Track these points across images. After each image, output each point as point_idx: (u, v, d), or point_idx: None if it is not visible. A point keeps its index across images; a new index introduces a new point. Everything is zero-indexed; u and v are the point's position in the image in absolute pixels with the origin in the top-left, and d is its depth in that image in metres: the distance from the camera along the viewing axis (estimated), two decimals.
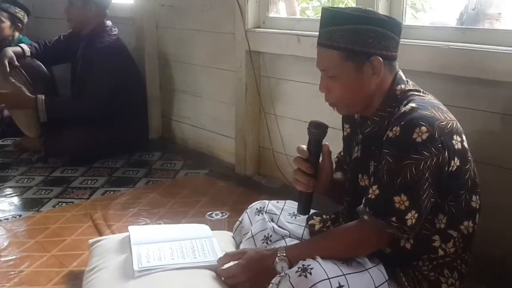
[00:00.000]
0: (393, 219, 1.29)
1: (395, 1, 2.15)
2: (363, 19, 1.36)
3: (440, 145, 1.29)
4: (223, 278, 1.53)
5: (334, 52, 1.38)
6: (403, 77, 1.46)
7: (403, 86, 1.43)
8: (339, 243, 1.40)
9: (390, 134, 1.32)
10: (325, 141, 1.50)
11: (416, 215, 1.30)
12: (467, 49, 1.85)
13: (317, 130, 1.46)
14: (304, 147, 1.48)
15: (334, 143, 1.56)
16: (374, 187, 1.34)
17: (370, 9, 1.52)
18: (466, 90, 1.90)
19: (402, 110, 1.34)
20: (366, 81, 1.39)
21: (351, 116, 1.57)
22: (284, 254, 1.41)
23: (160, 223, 2.36)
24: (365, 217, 1.34)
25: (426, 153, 1.28)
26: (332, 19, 1.39)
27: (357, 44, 1.36)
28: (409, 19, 2.25)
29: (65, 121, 3.14)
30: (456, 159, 1.34)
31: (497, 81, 1.79)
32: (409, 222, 1.29)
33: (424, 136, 1.27)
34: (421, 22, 3.42)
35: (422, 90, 1.45)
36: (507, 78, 1.75)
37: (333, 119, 1.59)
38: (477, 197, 1.43)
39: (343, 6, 4.44)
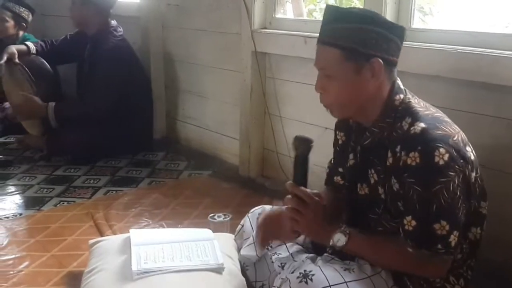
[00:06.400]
0: (439, 246, 1.28)
1: (403, 4, 2.12)
2: (367, 19, 1.33)
3: (462, 161, 1.28)
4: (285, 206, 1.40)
5: (336, 50, 1.34)
6: (401, 86, 1.41)
7: (401, 95, 1.39)
8: (400, 263, 1.35)
9: (409, 161, 1.27)
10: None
11: (457, 233, 1.29)
12: (476, 53, 1.82)
13: (303, 145, 1.39)
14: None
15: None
16: (408, 218, 1.30)
17: (375, 11, 1.49)
18: (474, 95, 1.87)
19: (412, 132, 1.29)
20: (363, 84, 1.35)
21: (345, 123, 1.54)
22: (348, 232, 1.34)
23: (162, 224, 2.34)
24: (409, 249, 1.31)
25: (452, 173, 1.26)
26: (337, 16, 1.36)
27: (360, 44, 1.32)
28: (417, 23, 2.23)
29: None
30: (473, 169, 1.33)
31: (503, 86, 1.76)
32: (453, 243, 1.29)
33: (446, 158, 1.25)
34: (429, 25, 3.38)
35: (421, 101, 1.41)
36: None
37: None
38: (486, 203, 1.42)
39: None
